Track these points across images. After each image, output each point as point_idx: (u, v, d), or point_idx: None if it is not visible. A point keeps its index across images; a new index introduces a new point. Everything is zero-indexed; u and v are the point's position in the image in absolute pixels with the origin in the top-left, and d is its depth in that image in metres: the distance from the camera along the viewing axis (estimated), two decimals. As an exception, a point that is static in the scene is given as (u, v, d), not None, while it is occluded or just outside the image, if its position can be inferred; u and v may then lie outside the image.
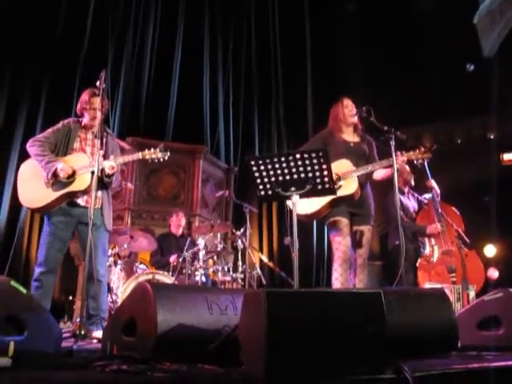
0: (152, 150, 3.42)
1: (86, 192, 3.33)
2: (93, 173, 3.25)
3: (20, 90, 6.25)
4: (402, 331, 2.16)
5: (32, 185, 3.40)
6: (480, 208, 6.46)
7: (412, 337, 2.22)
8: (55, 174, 3.30)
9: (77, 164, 3.36)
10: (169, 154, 3.44)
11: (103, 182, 3.38)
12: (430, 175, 4.49)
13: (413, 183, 4.88)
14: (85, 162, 3.37)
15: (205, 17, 8.19)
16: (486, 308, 2.62)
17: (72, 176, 3.32)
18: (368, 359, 1.68)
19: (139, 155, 3.40)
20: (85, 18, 6.88)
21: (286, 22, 8.53)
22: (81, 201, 3.41)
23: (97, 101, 3.40)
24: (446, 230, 4.49)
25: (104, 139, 3.44)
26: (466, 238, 4.42)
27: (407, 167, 4.79)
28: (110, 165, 3.32)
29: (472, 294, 4.11)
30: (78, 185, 3.32)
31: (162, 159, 3.44)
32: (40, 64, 6.39)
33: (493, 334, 2.52)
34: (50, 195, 3.33)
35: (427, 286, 4.30)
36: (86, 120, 3.54)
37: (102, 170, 3.30)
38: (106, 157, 3.41)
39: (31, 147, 3.44)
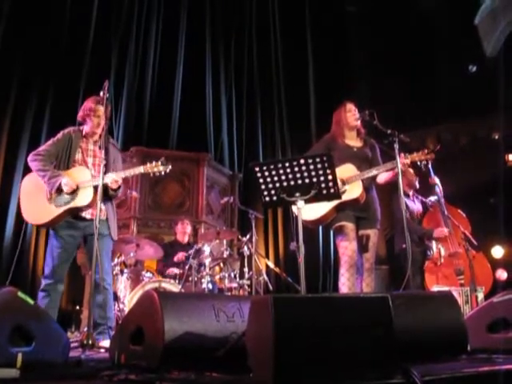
0: (154, 163, 3.40)
1: (89, 206, 3.33)
2: (95, 187, 3.25)
3: (25, 100, 6.28)
4: (411, 335, 2.15)
5: (34, 201, 3.39)
6: (486, 209, 6.43)
7: (420, 341, 2.21)
8: (59, 189, 3.30)
9: (79, 178, 3.35)
10: (170, 167, 3.41)
11: (108, 195, 3.39)
12: (433, 173, 4.49)
13: (417, 186, 4.86)
14: (87, 177, 3.36)
15: (206, 25, 8.23)
16: (495, 310, 2.60)
17: (75, 191, 3.32)
18: (377, 364, 1.67)
19: (141, 169, 3.39)
20: (87, 28, 6.92)
21: (288, 28, 8.56)
22: (86, 214, 3.41)
23: (101, 109, 3.41)
24: (452, 232, 4.47)
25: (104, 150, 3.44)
26: (473, 240, 4.40)
27: (411, 170, 4.79)
28: (113, 179, 3.31)
29: (480, 296, 4.09)
30: (81, 200, 3.31)
31: (163, 172, 3.41)
32: (44, 74, 6.43)
33: (502, 337, 2.49)
34: (52, 211, 3.33)
35: (435, 288, 4.27)
36: (87, 128, 3.53)
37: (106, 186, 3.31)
38: (107, 167, 3.41)
39: (33, 162, 3.43)
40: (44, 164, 3.40)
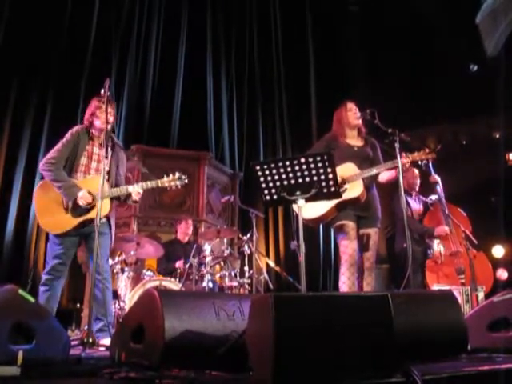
0: (171, 176, 3.48)
1: (105, 217, 3.40)
2: (111, 199, 3.41)
3: (25, 100, 6.29)
4: (411, 334, 2.15)
5: (51, 210, 3.38)
6: (487, 208, 6.43)
7: (421, 340, 2.21)
8: (75, 202, 3.32)
9: (96, 189, 3.26)
10: (186, 181, 3.52)
11: (125, 201, 3.58)
12: (433, 171, 4.49)
13: (417, 188, 4.87)
14: (104, 187, 3.31)
15: (208, 24, 8.23)
16: (495, 309, 2.60)
17: (91, 203, 3.34)
18: (377, 363, 1.67)
19: (158, 183, 3.47)
20: (88, 28, 6.92)
21: (289, 27, 8.56)
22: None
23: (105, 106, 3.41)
24: (453, 231, 4.47)
25: (111, 151, 3.43)
26: (473, 239, 4.40)
27: (416, 171, 4.79)
28: (137, 191, 3.42)
29: (481, 295, 4.09)
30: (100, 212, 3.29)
31: (179, 186, 3.51)
32: (45, 73, 6.43)
33: (503, 336, 2.49)
34: (70, 221, 3.35)
35: (435, 287, 4.27)
36: (97, 125, 3.50)
37: (129, 195, 3.44)
38: (109, 173, 3.42)
39: (46, 172, 3.39)
40: (57, 173, 3.37)
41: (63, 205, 3.37)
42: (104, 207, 3.28)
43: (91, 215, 3.31)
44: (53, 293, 3.32)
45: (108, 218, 3.48)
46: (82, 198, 3.30)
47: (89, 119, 3.54)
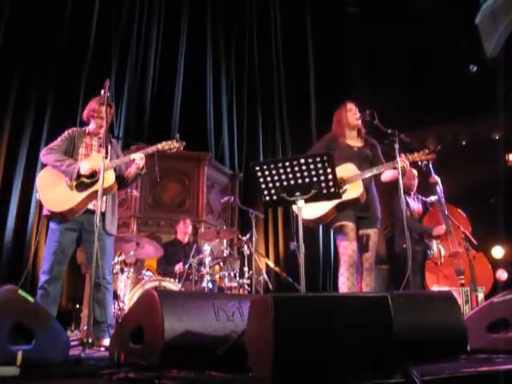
0: (169, 141, 3.49)
1: (111, 188, 3.36)
2: (115, 170, 3.37)
3: (25, 100, 6.29)
4: (410, 335, 2.15)
5: (55, 190, 3.39)
6: (487, 209, 6.43)
7: (420, 340, 2.21)
8: (79, 175, 3.33)
9: (97, 164, 3.32)
10: (184, 143, 3.51)
11: (120, 181, 3.49)
12: (433, 173, 4.49)
13: (415, 189, 4.87)
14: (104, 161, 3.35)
15: (208, 24, 8.22)
16: (495, 310, 2.60)
17: (95, 175, 3.34)
18: (376, 364, 1.67)
19: (158, 146, 3.47)
20: (88, 27, 6.92)
21: (289, 28, 8.56)
22: (91, 205, 3.41)
23: (104, 109, 3.41)
24: (453, 231, 4.47)
25: (108, 147, 3.45)
26: (473, 240, 4.40)
27: (414, 171, 4.80)
28: (140, 156, 3.43)
29: (481, 296, 4.09)
30: (103, 182, 3.25)
31: (181, 148, 3.50)
32: (45, 73, 6.43)
33: (502, 337, 2.49)
34: (76, 197, 3.33)
35: (435, 288, 4.28)
36: (91, 127, 3.59)
37: (133, 162, 3.44)
38: (111, 158, 3.43)
39: (47, 155, 3.46)
40: (60, 155, 3.45)
41: (67, 183, 3.37)
42: (107, 178, 3.26)
43: (95, 188, 3.29)
44: (51, 299, 3.28)
45: (104, 212, 3.42)
46: (85, 168, 3.34)
47: (86, 118, 3.62)
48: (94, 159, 3.44)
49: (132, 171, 3.53)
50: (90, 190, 3.34)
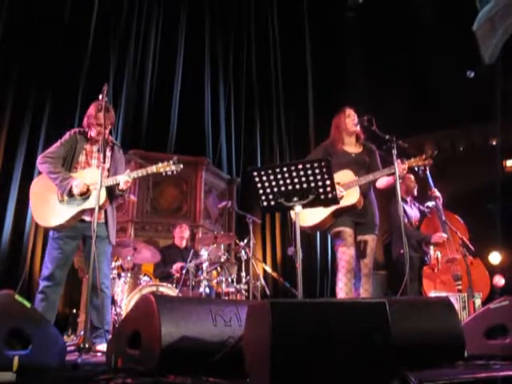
0: (165, 162, 3.37)
1: (101, 208, 3.28)
2: (107, 188, 3.28)
3: (23, 102, 6.28)
4: (408, 341, 2.15)
5: (46, 203, 3.37)
6: (484, 215, 6.44)
7: (418, 346, 2.21)
8: (71, 191, 3.30)
9: (91, 180, 3.32)
10: (182, 166, 3.39)
11: (113, 194, 3.41)
12: (432, 183, 4.50)
13: (415, 193, 4.88)
14: (97, 178, 3.35)
15: (206, 28, 8.25)
16: (492, 316, 2.60)
17: (86, 193, 3.32)
18: (374, 369, 1.67)
19: (153, 169, 3.35)
20: (87, 30, 6.93)
21: (287, 33, 8.60)
22: (86, 216, 3.41)
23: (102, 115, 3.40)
24: (450, 238, 4.48)
25: (110, 152, 3.45)
26: (470, 246, 4.41)
27: (412, 177, 4.81)
28: (126, 180, 3.32)
29: (478, 302, 4.09)
30: (93, 201, 3.23)
31: (175, 172, 3.38)
32: (43, 76, 6.42)
33: (500, 343, 2.49)
34: (65, 214, 3.32)
35: (432, 294, 4.27)
36: (92, 134, 3.52)
37: (117, 185, 3.32)
38: (109, 171, 3.42)
39: (43, 164, 3.42)
40: (55, 166, 3.39)
41: (59, 197, 3.35)
42: (100, 197, 3.22)
43: (87, 205, 3.29)
44: (50, 304, 3.27)
45: (106, 221, 3.45)
46: (77, 187, 3.29)
47: (86, 125, 3.56)
48: (88, 174, 3.39)
49: (116, 193, 3.45)
50: (80, 207, 3.32)
